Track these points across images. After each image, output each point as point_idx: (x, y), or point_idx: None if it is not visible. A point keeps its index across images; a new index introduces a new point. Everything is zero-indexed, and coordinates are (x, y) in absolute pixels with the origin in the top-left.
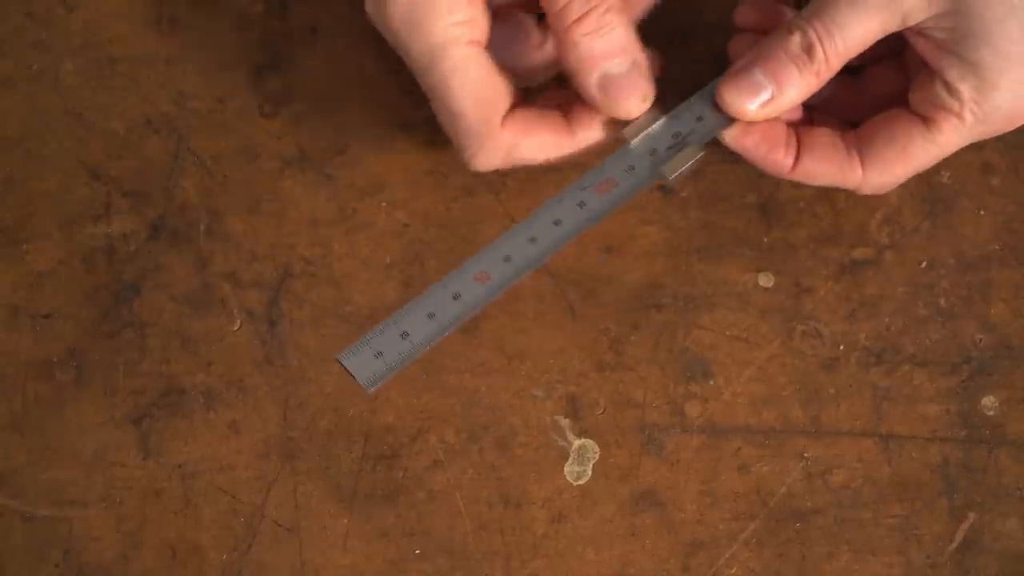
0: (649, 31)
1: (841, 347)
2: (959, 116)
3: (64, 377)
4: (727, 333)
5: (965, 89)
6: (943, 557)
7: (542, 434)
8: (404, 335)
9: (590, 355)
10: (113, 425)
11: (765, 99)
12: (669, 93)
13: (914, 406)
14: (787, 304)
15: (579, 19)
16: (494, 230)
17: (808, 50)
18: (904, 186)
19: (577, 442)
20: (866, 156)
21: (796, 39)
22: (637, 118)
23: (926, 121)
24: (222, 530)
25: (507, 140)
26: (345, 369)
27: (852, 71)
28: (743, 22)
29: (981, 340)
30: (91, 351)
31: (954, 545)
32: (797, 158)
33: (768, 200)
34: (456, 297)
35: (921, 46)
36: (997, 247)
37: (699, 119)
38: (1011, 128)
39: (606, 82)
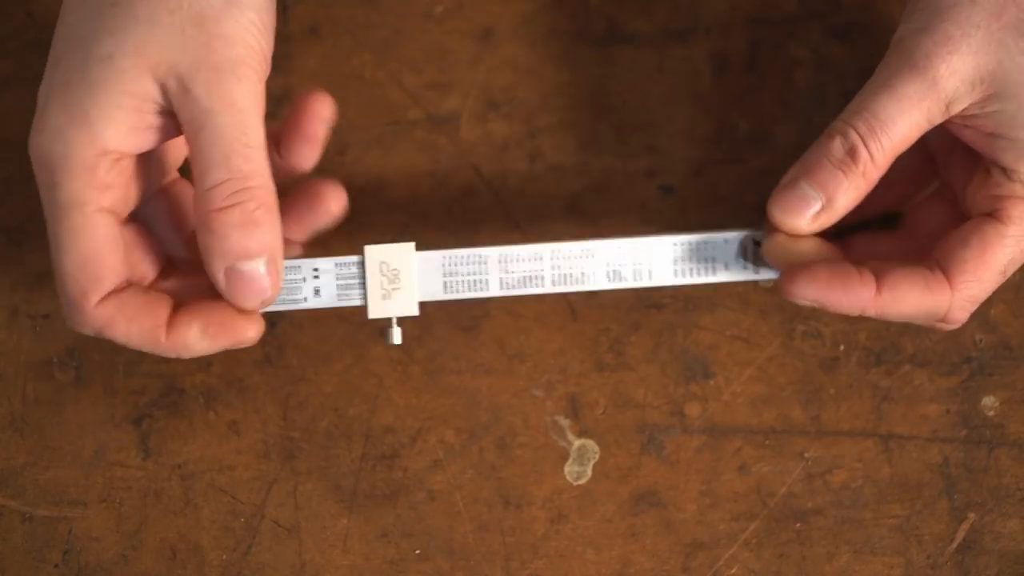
0: (649, 31)
1: (841, 347)
2: None
3: (64, 377)
4: (727, 333)
5: None
6: (943, 557)
7: (542, 434)
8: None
9: (590, 355)
10: (113, 425)
11: (816, 210)
12: (672, 89)
13: (914, 406)
14: (787, 304)
15: (222, 209)
16: (494, 230)
17: (852, 153)
18: None
19: (577, 442)
20: (948, 270)
21: (837, 143)
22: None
23: (995, 215)
24: (222, 530)
25: (96, 321)
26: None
27: (891, 222)
28: None
29: (981, 340)
30: (91, 351)
31: (954, 545)
32: (878, 288)
33: (768, 200)
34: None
35: (970, 137)
36: None
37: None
38: None
39: (232, 275)
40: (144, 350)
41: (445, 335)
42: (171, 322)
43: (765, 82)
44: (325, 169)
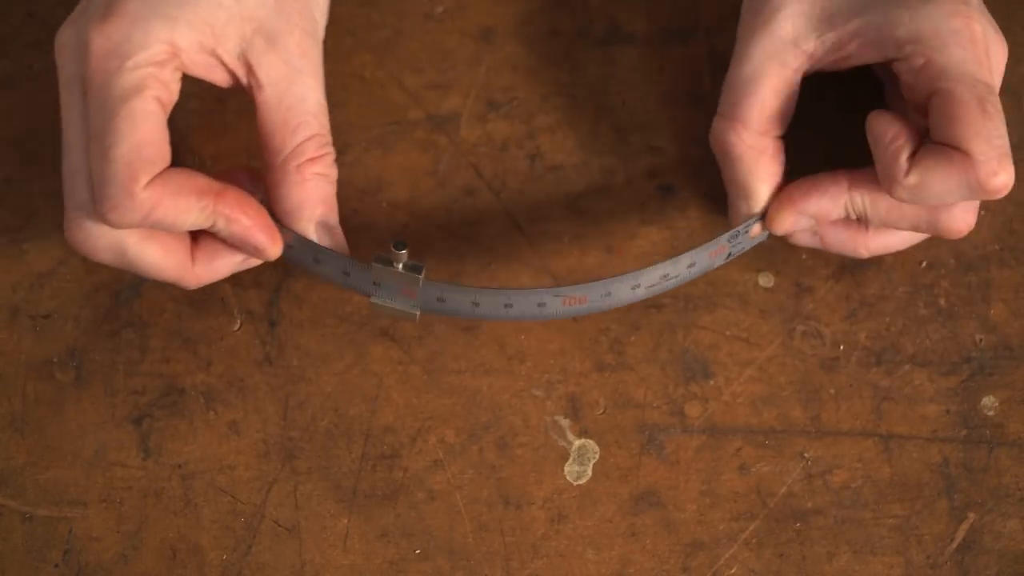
0: (649, 31)
1: (841, 347)
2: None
3: (64, 377)
4: (727, 333)
5: (905, 33)
6: (943, 557)
7: (542, 434)
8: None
9: (590, 355)
10: (113, 425)
11: (747, 209)
12: (672, 89)
13: (914, 406)
14: (787, 304)
15: (314, 158)
16: (494, 230)
17: (729, 132)
18: None
19: (577, 442)
20: (955, 143)
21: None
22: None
23: (938, 95)
24: (222, 530)
25: (145, 204)
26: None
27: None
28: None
29: (981, 340)
30: (91, 351)
31: (954, 545)
32: (908, 170)
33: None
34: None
35: (852, 50)
36: (997, 247)
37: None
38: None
39: (321, 228)
40: (188, 226)
41: (445, 335)
42: (220, 195)
43: None
44: None
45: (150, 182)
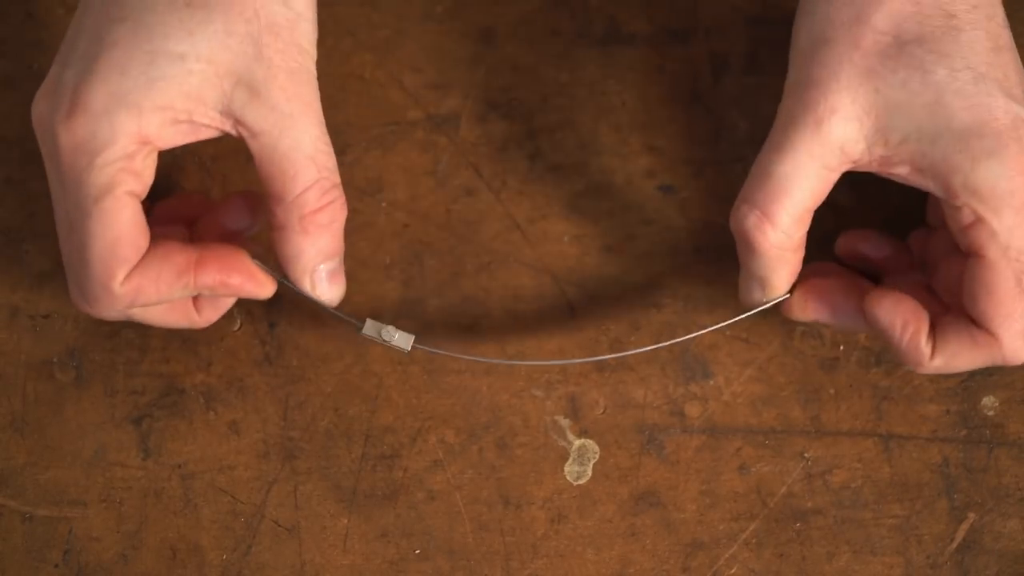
0: (649, 31)
1: (841, 347)
2: (981, 213)
3: (64, 377)
4: (727, 333)
5: (959, 182)
6: (943, 557)
7: (542, 434)
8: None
9: (590, 355)
10: (113, 425)
11: (761, 295)
12: (672, 89)
13: (914, 406)
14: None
15: (317, 210)
16: (494, 230)
17: (758, 228)
18: (905, 186)
19: (577, 442)
20: (980, 321)
21: (741, 217)
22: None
23: (973, 250)
24: (222, 530)
25: (125, 297)
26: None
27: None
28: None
29: None
30: (91, 351)
31: (954, 545)
32: (932, 355)
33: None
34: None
35: (905, 178)
36: None
37: None
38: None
39: (317, 277)
40: (174, 299)
41: (445, 335)
42: (199, 267)
43: (765, 82)
44: None
45: (128, 276)
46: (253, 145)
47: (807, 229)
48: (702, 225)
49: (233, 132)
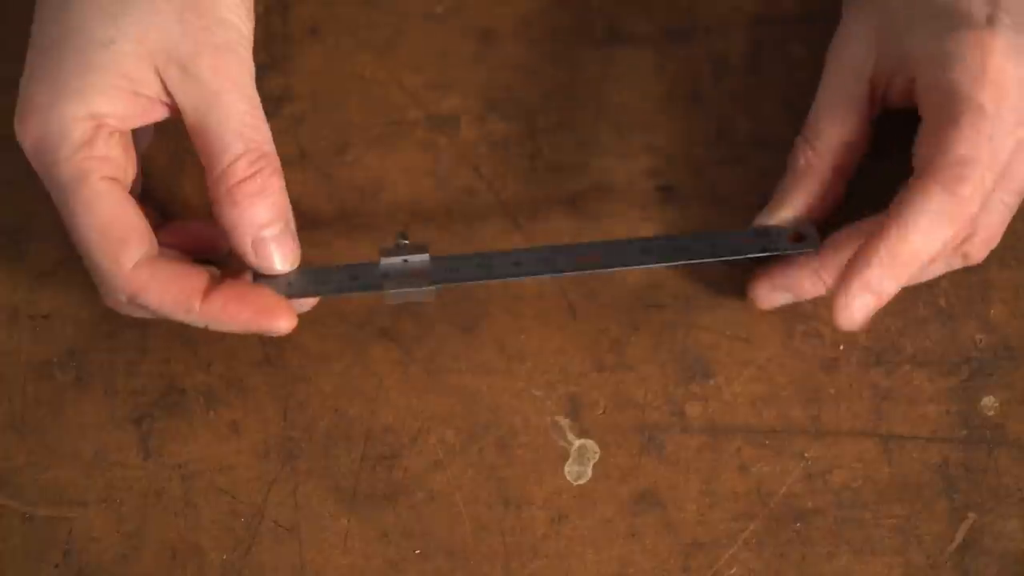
0: (649, 31)
1: (841, 347)
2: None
3: (64, 377)
4: (727, 333)
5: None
6: (943, 557)
7: (542, 434)
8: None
9: (590, 355)
10: (113, 425)
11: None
12: (672, 89)
13: (914, 406)
14: (787, 304)
15: (244, 180)
16: (494, 230)
17: (797, 147)
18: None
19: (577, 442)
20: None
21: (795, 154)
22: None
23: (949, 114)
24: (222, 530)
25: (131, 285)
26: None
27: None
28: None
29: (981, 340)
30: (91, 351)
31: (954, 545)
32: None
33: (768, 200)
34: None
35: (901, 90)
36: (997, 247)
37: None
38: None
39: (260, 244)
40: (177, 319)
41: (445, 335)
42: (207, 296)
43: (765, 82)
44: (324, 170)
45: (137, 265)
46: (186, 121)
47: (838, 164)
48: (702, 225)
49: (172, 109)
